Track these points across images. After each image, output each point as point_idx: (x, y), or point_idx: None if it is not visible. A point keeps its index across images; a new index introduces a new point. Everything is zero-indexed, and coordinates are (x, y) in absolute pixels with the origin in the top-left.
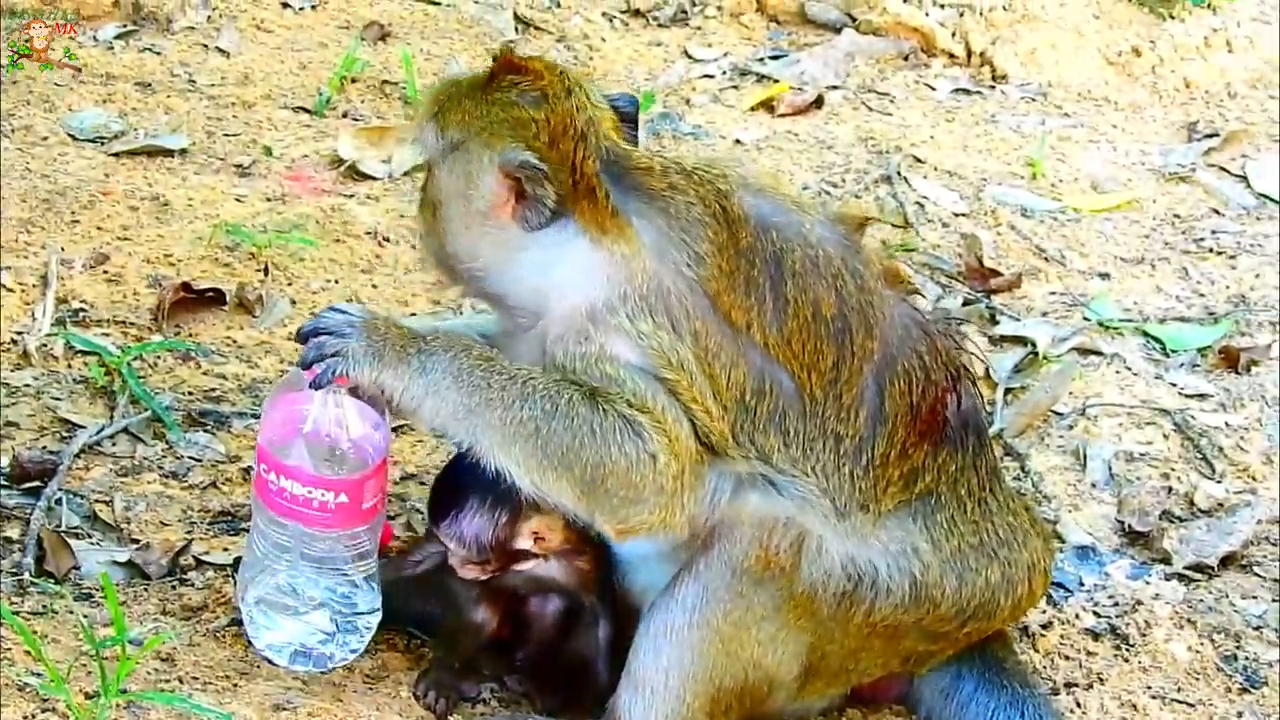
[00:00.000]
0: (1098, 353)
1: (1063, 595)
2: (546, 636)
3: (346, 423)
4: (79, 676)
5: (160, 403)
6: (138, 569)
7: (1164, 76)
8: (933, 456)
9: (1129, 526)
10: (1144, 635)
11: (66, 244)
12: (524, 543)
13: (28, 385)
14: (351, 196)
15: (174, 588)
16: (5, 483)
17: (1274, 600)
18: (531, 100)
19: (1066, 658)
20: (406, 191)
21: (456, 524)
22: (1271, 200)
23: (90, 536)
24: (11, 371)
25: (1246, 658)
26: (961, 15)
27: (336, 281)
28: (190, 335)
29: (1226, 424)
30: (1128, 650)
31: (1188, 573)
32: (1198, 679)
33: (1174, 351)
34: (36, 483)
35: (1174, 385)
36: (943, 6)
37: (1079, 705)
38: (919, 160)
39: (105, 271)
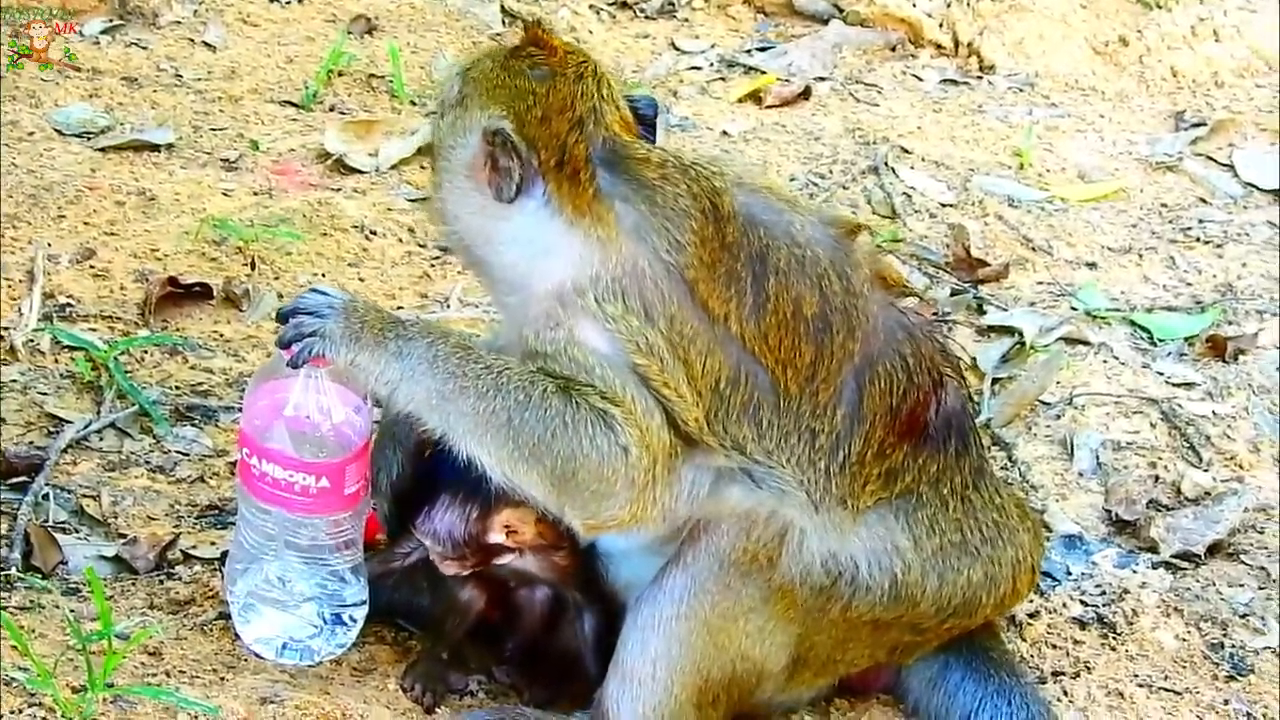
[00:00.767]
0: (1085, 342)
1: (1050, 584)
2: (534, 627)
3: (327, 406)
4: (66, 671)
5: (147, 397)
6: (125, 563)
7: (1151, 66)
8: (913, 457)
9: (1116, 515)
10: (1131, 624)
11: (53, 239)
12: (496, 536)
13: (14, 380)
14: (338, 190)
15: (161, 582)
16: None
17: (1260, 588)
18: (540, 75)
19: (1054, 646)
20: (394, 185)
21: (430, 521)
22: (1259, 189)
23: (77, 531)
24: None
25: (1233, 646)
26: (949, 6)
27: (323, 275)
28: (177, 330)
29: (1214, 413)
30: (1115, 639)
31: (1175, 561)
32: (1185, 667)
33: (1161, 341)
34: (23, 478)
35: (1161, 374)
36: None
37: (1066, 694)
38: (906, 151)
39: (92, 266)
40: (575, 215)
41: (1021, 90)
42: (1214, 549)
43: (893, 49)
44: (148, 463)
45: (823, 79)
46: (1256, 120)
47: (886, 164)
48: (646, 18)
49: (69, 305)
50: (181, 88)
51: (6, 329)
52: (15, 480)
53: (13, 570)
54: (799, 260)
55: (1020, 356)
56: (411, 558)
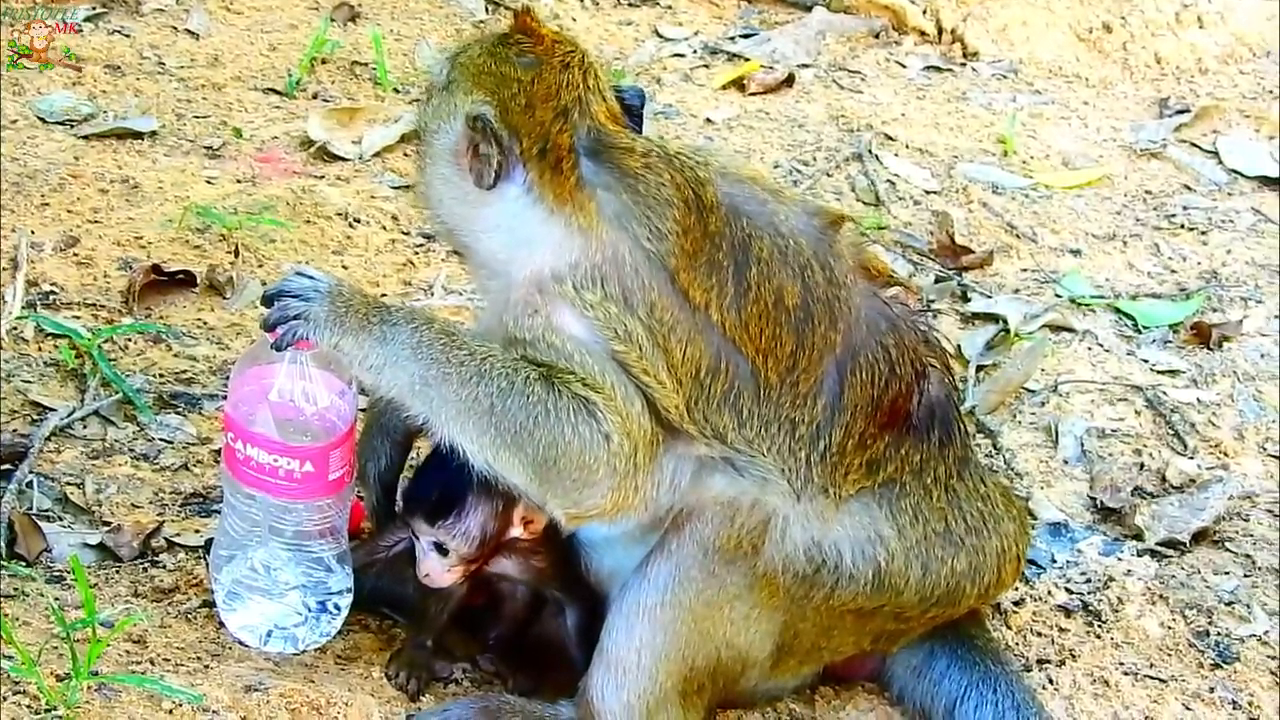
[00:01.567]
0: (1069, 329)
1: (1035, 572)
2: (517, 615)
3: (312, 392)
4: (50, 659)
5: (131, 385)
6: (109, 551)
7: (1135, 52)
8: (896, 447)
9: (1101, 503)
10: (1116, 611)
11: (36, 227)
12: (516, 530)
13: None
14: (322, 178)
15: (145, 570)
16: None
17: (1246, 576)
18: (526, 63)
19: (1039, 634)
20: (377, 172)
21: (461, 521)
22: (1243, 176)
23: (61, 519)
24: None
25: (1219, 633)
26: None
27: (307, 263)
28: (161, 317)
29: (1198, 400)
30: (1100, 626)
31: (1160, 549)
32: (1170, 655)
33: (1145, 328)
34: (7, 466)
35: (1146, 361)
36: None
37: (1052, 681)
38: (890, 138)
39: (75, 254)
40: (556, 203)
41: (1005, 77)
42: (1199, 536)
43: (876, 36)
44: (132, 450)
45: (806, 66)
46: (1241, 107)
47: (870, 151)
48: (629, 4)
49: (52, 293)
50: (165, 75)
51: None
52: None
53: None
54: (782, 250)
55: (1004, 344)
56: (396, 548)
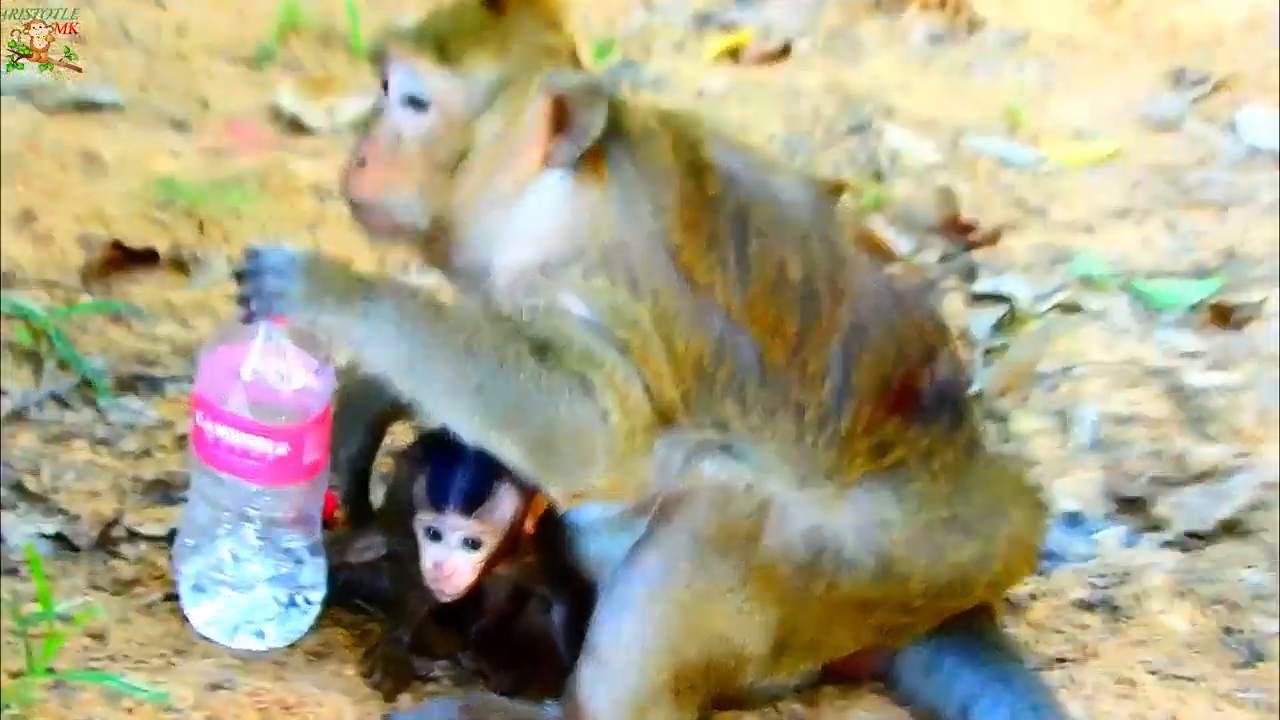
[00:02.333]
0: (1082, 310)
1: (1051, 564)
2: (500, 609)
3: (287, 371)
4: (4, 655)
5: (90, 366)
6: (66, 541)
7: (1149, 21)
8: (904, 431)
9: (1118, 492)
10: (1139, 606)
11: None
12: (532, 520)
13: None
14: (293, 151)
15: (105, 561)
16: None
17: (1274, 569)
18: (546, 25)
19: (1057, 631)
20: (350, 146)
21: (493, 506)
22: (1262, 150)
23: (16, 508)
24: None
25: (1248, 630)
26: None
27: (277, 239)
28: (122, 296)
29: (1219, 384)
30: (1122, 622)
31: (1183, 540)
32: (1197, 653)
33: (1162, 308)
34: None
35: (1163, 343)
36: None
37: (1073, 680)
38: (892, 110)
39: (33, 230)
40: (580, 179)
41: (1013, 46)
42: (1224, 528)
43: (877, 4)
44: (90, 435)
45: (803, 35)
46: (1260, 80)
47: (871, 124)
48: None
49: (8, 271)
50: (129, 45)
51: None
52: None
53: None
54: (779, 221)
55: (1013, 325)
56: (368, 555)
